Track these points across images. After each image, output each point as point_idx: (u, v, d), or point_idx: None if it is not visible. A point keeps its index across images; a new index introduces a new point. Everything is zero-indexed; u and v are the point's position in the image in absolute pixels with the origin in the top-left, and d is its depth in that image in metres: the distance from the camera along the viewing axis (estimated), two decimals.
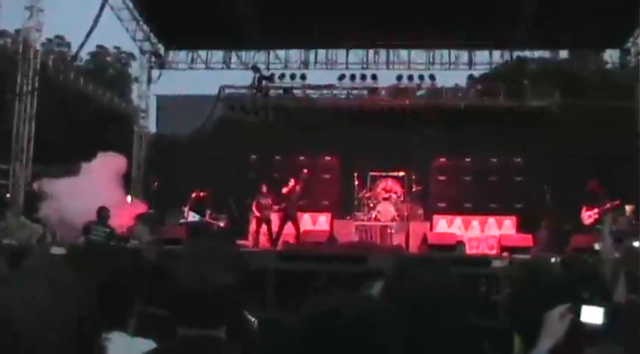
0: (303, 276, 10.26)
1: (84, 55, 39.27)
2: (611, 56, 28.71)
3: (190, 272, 2.74)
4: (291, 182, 20.73)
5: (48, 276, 1.99)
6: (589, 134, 24.32)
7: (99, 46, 43.27)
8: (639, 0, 21.99)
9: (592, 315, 3.37)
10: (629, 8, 22.76)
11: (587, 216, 19.84)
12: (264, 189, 21.07)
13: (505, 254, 17.09)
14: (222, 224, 21.68)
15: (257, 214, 20.95)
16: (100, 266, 3.05)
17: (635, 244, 10.03)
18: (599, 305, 3.43)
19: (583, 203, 20.01)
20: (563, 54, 30.59)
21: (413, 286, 2.88)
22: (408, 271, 3.03)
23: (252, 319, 4.03)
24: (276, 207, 21.25)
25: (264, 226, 20.94)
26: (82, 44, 24.42)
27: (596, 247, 15.24)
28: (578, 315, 3.38)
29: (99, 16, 22.22)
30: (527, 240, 19.49)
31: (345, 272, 10.13)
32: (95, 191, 17.34)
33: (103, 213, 15.09)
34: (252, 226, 21.41)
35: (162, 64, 27.91)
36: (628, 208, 19.35)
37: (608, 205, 19.05)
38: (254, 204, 21.03)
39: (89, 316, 1.96)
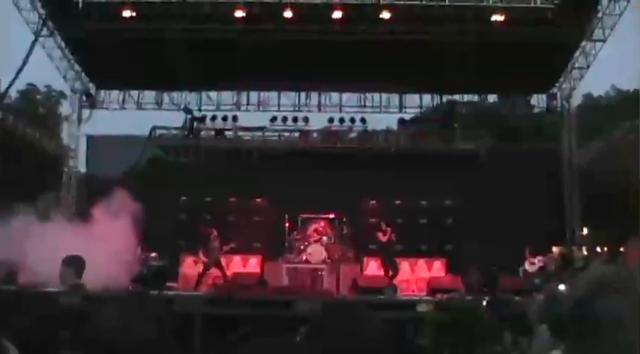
0: (230, 320, 10.18)
1: (14, 92, 38.73)
2: (538, 101, 29.29)
3: (108, 320, 2.65)
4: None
5: None
6: (517, 176, 24.62)
7: (29, 84, 42.72)
8: (564, 50, 22.76)
9: None
10: (554, 57, 23.57)
11: (530, 263, 20.11)
12: (214, 233, 20.95)
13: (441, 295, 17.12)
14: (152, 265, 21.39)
15: (204, 259, 20.82)
16: (20, 313, 2.99)
17: (561, 287, 10.13)
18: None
19: (527, 253, 20.37)
20: (492, 98, 31.07)
21: (337, 333, 2.88)
22: (332, 317, 3.03)
23: None
24: (226, 248, 21.15)
25: (214, 270, 20.79)
26: (12, 82, 24.06)
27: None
28: None
29: (29, 53, 21.96)
30: (456, 282, 19.66)
31: (272, 317, 10.08)
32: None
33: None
34: (183, 269, 21.35)
35: (93, 104, 27.64)
36: (555, 249, 19.66)
37: (554, 253, 19.36)
38: (201, 250, 20.96)
39: None
